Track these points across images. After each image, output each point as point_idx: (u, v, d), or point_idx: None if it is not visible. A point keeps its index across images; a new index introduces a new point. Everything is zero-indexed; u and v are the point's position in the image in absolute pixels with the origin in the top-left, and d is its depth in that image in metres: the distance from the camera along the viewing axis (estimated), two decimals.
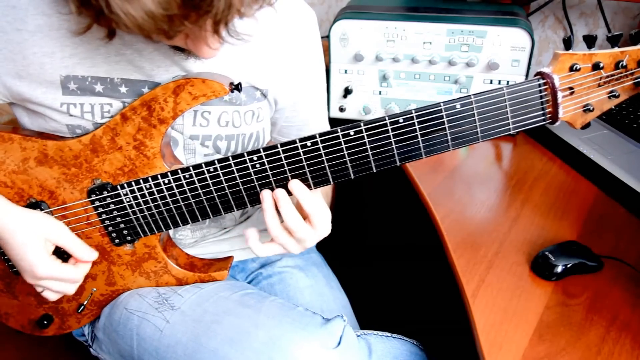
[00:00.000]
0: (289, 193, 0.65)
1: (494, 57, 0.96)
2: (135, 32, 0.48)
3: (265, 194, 0.65)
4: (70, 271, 0.69)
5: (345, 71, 1.05)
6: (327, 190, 0.86)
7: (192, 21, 0.48)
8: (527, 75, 0.97)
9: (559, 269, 0.66)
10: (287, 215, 0.65)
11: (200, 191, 0.68)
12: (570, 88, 0.63)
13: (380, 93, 1.06)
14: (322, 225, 0.66)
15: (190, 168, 0.66)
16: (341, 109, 1.09)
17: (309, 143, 0.63)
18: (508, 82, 0.98)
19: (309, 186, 0.66)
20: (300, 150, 0.64)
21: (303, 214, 0.66)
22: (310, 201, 0.65)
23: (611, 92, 0.64)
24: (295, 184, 0.65)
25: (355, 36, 1.01)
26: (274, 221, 0.65)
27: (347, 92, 1.06)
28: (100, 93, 0.67)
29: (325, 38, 1.03)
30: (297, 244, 0.67)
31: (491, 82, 0.99)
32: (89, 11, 0.50)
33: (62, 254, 0.70)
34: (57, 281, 0.69)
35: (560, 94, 0.63)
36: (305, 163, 0.65)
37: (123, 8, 0.46)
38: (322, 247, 0.99)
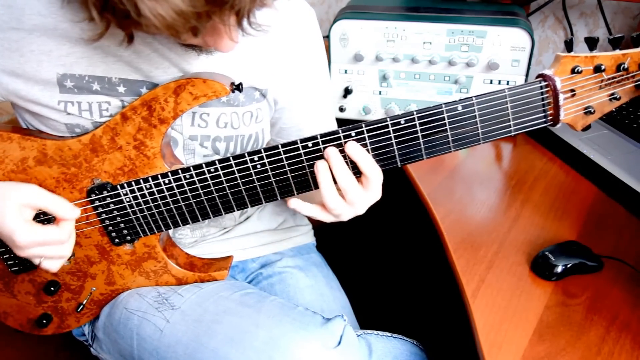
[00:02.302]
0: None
1: (494, 57, 0.96)
2: (164, 32, 0.48)
3: (321, 165, 0.63)
4: (54, 232, 0.66)
5: (345, 71, 1.05)
6: None
7: (217, 16, 0.48)
8: (527, 75, 0.97)
9: (559, 269, 0.66)
10: (340, 173, 0.62)
11: (200, 191, 0.68)
12: (572, 90, 0.63)
13: (380, 93, 1.06)
14: (374, 186, 0.64)
15: (191, 168, 0.66)
16: (341, 109, 1.09)
17: (310, 144, 0.63)
18: (508, 82, 0.98)
19: (309, 187, 0.66)
20: (302, 151, 0.64)
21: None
22: (369, 162, 0.63)
23: (612, 94, 0.64)
24: (353, 146, 0.62)
25: (355, 36, 1.01)
26: (331, 191, 0.63)
27: (347, 92, 1.06)
28: (97, 91, 0.66)
29: (325, 38, 1.03)
30: (350, 208, 0.65)
31: (491, 82, 0.99)
32: (112, 16, 0.49)
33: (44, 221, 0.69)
34: (45, 246, 0.66)
35: (561, 96, 0.63)
36: (306, 164, 0.65)
37: (153, 10, 0.45)
38: (322, 247, 1.00)
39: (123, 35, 0.55)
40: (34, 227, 0.65)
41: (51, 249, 0.67)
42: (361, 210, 0.66)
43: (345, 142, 0.63)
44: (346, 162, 0.63)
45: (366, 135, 0.63)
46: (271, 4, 0.52)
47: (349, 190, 0.63)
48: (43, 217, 0.70)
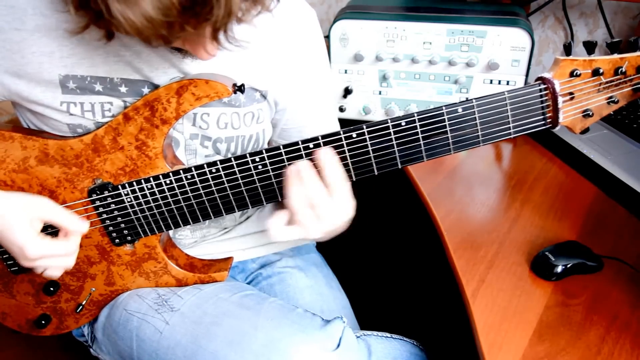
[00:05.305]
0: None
1: (494, 57, 0.96)
2: (134, 36, 0.48)
3: (291, 167, 0.62)
4: (62, 246, 0.66)
5: (345, 71, 1.05)
6: None
7: (191, 27, 0.48)
8: (527, 76, 0.97)
9: (559, 269, 0.66)
10: (311, 188, 0.61)
11: (201, 192, 0.68)
12: (571, 93, 0.64)
13: (380, 93, 1.06)
14: (341, 199, 0.63)
15: (192, 168, 0.66)
16: (341, 109, 1.09)
17: (311, 145, 0.63)
18: (508, 82, 0.98)
19: None
20: (303, 152, 0.64)
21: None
22: (335, 171, 0.62)
23: (610, 97, 0.65)
24: (324, 151, 0.62)
25: (355, 36, 1.01)
26: (298, 192, 0.62)
27: (347, 92, 1.06)
28: (100, 92, 0.66)
29: (325, 38, 1.03)
30: (317, 222, 0.63)
31: (491, 82, 0.99)
32: (88, 13, 0.50)
33: (51, 229, 0.69)
34: (52, 258, 0.66)
35: (560, 99, 0.63)
36: None
37: (123, 13, 0.46)
38: (322, 247, 1.00)
39: (103, 31, 0.55)
40: (45, 240, 0.65)
41: (57, 260, 0.67)
42: (330, 226, 0.64)
43: (318, 149, 0.62)
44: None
45: (367, 136, 0.63)
46: (249, 20, 0.51)
47: (320, 204, 0.62)
48: (50, 230, 0.70)
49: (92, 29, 0.55)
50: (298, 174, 0.62)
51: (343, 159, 0.64)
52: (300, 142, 0.63)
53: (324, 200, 0.62)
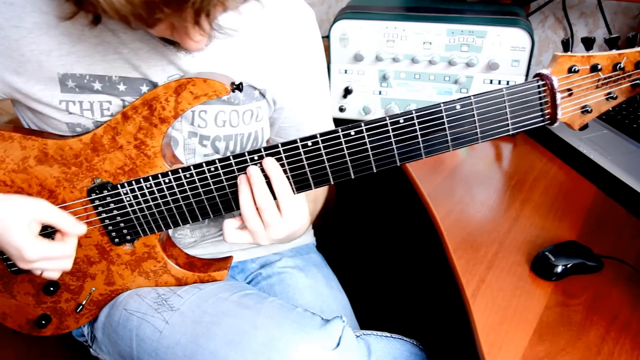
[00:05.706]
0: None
1: (494, 57, 0.96)
2: (114, 16, 0.48)
3: (243, 175, 0.66)
4: (60, 248, 0.67)
5: (345, 71, 1.05)
6: (316, 194, 0.86)
7: (172, 10, 0.47)
8: (527, 76, 0.97)
9: (559, 269, 0.66)
10: (258, 192, 0.65)
11: (200, 190, 0.68)
12: (569, 89, 0.64)
13: (380, 93, 1.06)
14: (289, 211, 0.66)
15: (191, 167, 0.66)
16: (341, 109, 1.09)
17: (309, 143, 0.64)
18: (508, 82, 0.98)
19: (309, 186, 0.66)
20: (301, 150, 0.64)
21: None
22: (281, 182, 0.65)
23: (609, 93, 0.65)
24: (269, 162, 0.65)
25: (355, 36, 1.01)
26: (248, 200, 0.65)
27: (347, 92, 1.06)
28: (99, 91, 0.66)
29: (325, 38, 1.03)
30: (265, 230, 0.67)
31: (491, 82, 0.99)
32: None
33: (48, 232, 0.69)
34: (50, 261, 0.67)
35: (559, 95, 0.63)
36: (305, 162, 0.65)
37: None
38: (322, 247, 1.00)
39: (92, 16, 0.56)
40: (42, 242, 0.65)
41: (54, 263, 0.68)
42: (276, 234, 0.67)
43: (263, 159, 0.65)
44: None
45: (365, 134, 0.63)
46: (235, 7, 0.51)
47: (265, 209, 0.65)
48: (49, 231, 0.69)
49: (90, 28, 0.55)
50: (247, 180, 0.65)
51: (341, 156, 0.64)
52: (298, 140, 0.63)
53: (269, 207, 0.65)
